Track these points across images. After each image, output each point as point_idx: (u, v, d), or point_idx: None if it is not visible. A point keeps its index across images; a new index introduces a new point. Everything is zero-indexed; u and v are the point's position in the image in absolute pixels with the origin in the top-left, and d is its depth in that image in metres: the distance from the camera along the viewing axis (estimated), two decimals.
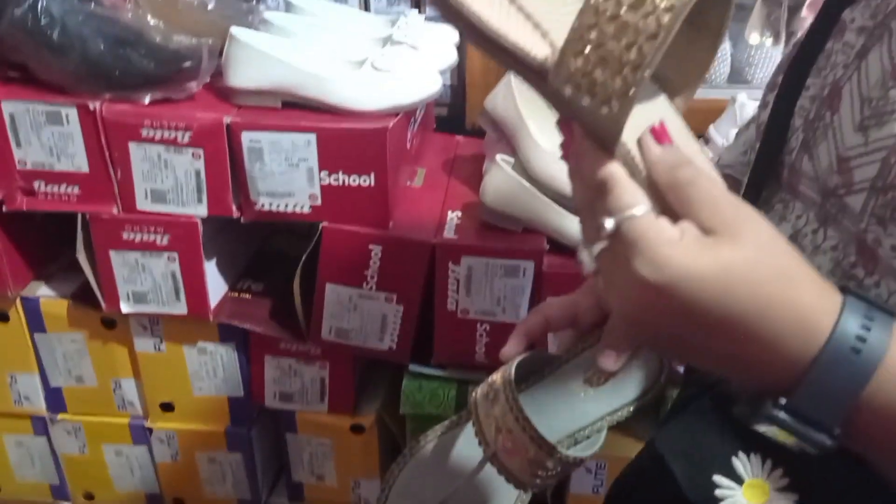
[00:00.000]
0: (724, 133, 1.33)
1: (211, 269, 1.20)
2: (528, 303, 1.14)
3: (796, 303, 0.40)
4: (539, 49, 0.43)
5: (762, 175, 0.64)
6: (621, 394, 0.63)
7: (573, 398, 0.67)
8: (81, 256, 1.17)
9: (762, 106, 0.68)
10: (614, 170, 0.43)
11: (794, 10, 1.49)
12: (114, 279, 1.17)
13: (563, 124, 0.47)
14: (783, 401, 0.41)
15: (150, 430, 1.31)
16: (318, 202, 1.12)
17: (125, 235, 1.14)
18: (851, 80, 0.54)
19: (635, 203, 0.42)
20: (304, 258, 1.15)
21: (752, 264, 0.40)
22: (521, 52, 0.43)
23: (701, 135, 1.39)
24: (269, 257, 1.39)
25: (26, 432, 1.35)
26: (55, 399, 1.31)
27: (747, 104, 1.33)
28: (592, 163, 0.44)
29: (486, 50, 0.45)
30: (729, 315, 0.40)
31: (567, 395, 0.67)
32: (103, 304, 1.20)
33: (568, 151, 0.47)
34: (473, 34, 0.44)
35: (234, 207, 1.13)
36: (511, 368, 0.63)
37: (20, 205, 1.14)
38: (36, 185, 1.13)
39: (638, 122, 0.45)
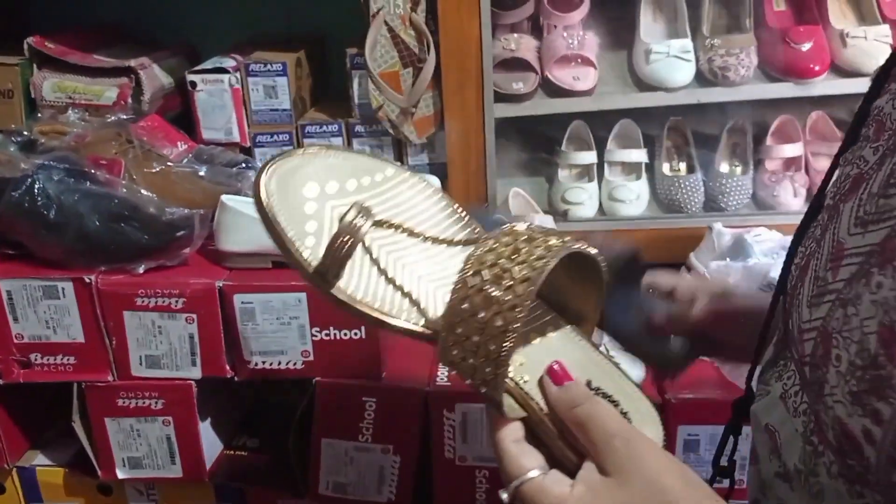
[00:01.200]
0: (703, 261, 1.36)
1: (206, 430, 1.21)
2: None
3: None
4: (421, 327, 0.52)
5: (772, 329, 0.66)
6: None
7: None
8: (77, 425, 1.18)
9: None
10: (498, 441, 0.49)
11: (759, 140, 1.57)
12: (109, 446, 1.18)
13: None
14: None
15: None
16: (311, 358, 1.14)
17: (120, 402, 1.15)
18: (814, 256, 0.57)
19: (520, 472, 0.47)
20: (298, 414, 1.16)
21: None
22: (408, 334, 0.51)
23: (682, 263, 1.42)
24: (263, 410, 1.40)
25: None
26: None
27: (724, 232, 1.38)
28: (489, 429, 0.50)
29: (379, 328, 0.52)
30: None
31: None
32: (99, 472, 1.20)
33: None
34: (364, 319, 0.52)
35: (227, 368, 1.15)
36: None
37: (17, 377, 1.16)
38: (32, 357, 1.15)
39: (542, 360, 0.51)
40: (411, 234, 0.53)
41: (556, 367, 0.50)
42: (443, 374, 1.17)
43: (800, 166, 1.53)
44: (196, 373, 1.14)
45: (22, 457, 1.25)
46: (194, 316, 1.12)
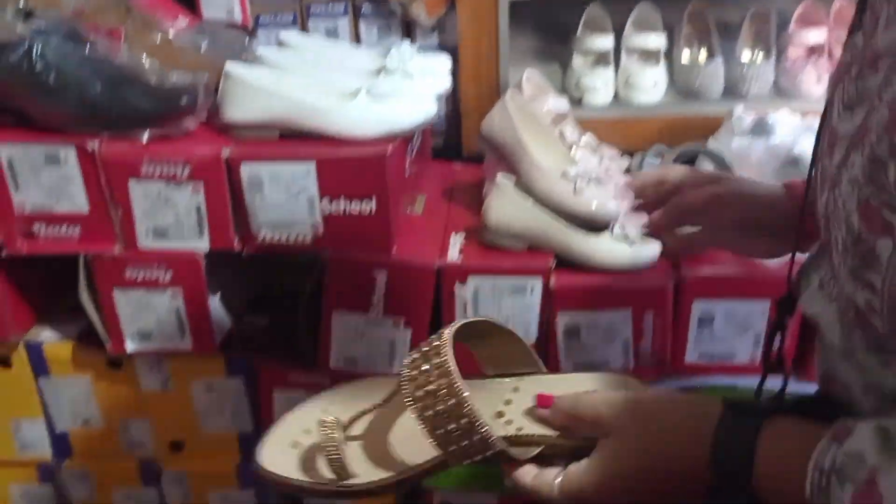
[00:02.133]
0: (725, 144, 1.33)
1: (215, 305, 1.19)
2: (537, 322, 1.13)
3: (682, 447, 0.55)
4: (428, 460, 0.63)
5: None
6: None
7: None
8: (84, 297, 1.16)
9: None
10: (521, 485, 0.60)
11: (783, 27, 1.51)
12: (118, 319, 1.17)
13: None
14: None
15: (161, 472, 1.29)
16: (320, 231, 1.11)
17: (128, 274, 1.14)
18: (821, 147, 0.58)
19: (551, 485, 0.59)
20: (308, 288, 1.15)
21: (639, 441, 0.56)
22: (428, 472, 0.63)
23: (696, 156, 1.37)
24: (272, 294, 1.38)
25: (32, 481, 1.33)
26: (61, 444, 1.29)
27: (745, 117, 1.34)
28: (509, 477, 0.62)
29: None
30: (645, 478, 0.56)
31: None
32: (108, 345, 1.19)
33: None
34: (388, 491, 0.64)
35: (235, 240, 1.13)
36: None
37: (20, 248, 1.13)
38: (36, 228, 1.13)
39: (524, 407, 0.64)
40: (373, 408, 0.65)
41: (539, 398, 0.62)
42: (453, 249, 1.15)
43: (823, 52, 1.48)
44: (204, 244, 1.12)
45: (28, 331, 1.23)
46: (200, 186, 1.09)
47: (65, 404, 1.26)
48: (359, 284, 1.12)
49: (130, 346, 1.18)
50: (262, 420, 1.25)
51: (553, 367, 1.16)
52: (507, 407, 0.64)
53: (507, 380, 0.67)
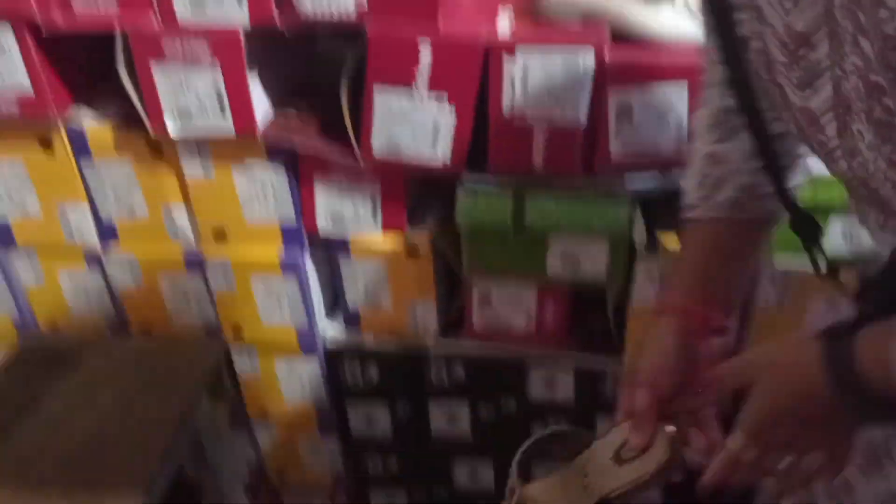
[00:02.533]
0: None
1: (255, 86, 1.16)
2: (588, 102, 1.08)
3: (802, 376, 0.62)
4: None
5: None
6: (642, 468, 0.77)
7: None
8: (122, 71, 1.13)
9: None
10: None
11: None
12: (157, 97, 1.14)
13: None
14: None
15: (204, 259, 1.30)
16: (363, 4, 1.06)
17: (166, 48, 1.10)
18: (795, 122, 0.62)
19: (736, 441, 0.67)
20: (350, 69, 1.11)
21: (772, 381, 0.64)
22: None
23: None
24: (311, 84, 1.34)
25: (80, 266, 1.35)
26: (107, 231, 1.30)
27: None
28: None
29: None
30: (787, 405, 0.64)
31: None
32: (148, 125, 1.17)
33: None
34: None
35: (276, 14, 1.08)
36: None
37: (57, 21, 1.10)
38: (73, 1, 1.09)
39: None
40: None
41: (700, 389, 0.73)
42: (503, 23, 1.10)
43: None
44: (243, 17, 1.08)
45: (68, 110, 1.21)
46: None
47: (108, 190, 1.26)
48: (402, 58, 1.08)
49: (171, 126, 1.16)
50: (304, 209, 1.25)
51: (602, 153, 1.12)
52: (587, 479, 0.78)
53: (575, 460, 0.80)
